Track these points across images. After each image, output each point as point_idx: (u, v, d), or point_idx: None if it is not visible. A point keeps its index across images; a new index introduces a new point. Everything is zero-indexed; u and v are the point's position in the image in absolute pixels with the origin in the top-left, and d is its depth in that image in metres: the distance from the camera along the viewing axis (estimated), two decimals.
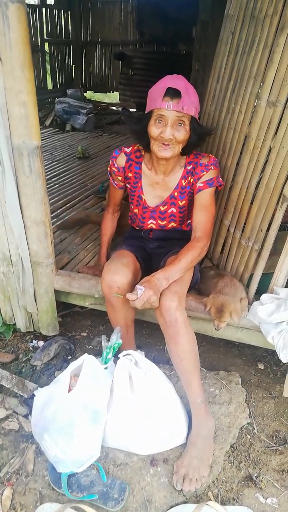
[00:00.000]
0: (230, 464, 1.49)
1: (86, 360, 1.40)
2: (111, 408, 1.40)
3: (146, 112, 1.48)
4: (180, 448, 1.50)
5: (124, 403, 1.39)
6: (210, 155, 1.63)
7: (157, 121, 1.45)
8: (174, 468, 1.43)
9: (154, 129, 1.46)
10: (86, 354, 1.43)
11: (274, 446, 1.56)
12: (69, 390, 1.38)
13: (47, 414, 1.36)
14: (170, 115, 1.42)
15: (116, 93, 7.86)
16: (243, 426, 1.62)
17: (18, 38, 1.33)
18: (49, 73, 7.38)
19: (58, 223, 2.53)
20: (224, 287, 1.65)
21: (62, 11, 7.26)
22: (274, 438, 1.60)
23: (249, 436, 1.60)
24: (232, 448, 1.54)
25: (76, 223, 2.54)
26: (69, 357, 1.94)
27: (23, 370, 1.86)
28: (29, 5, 6.48)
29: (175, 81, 1.42)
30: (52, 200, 2.91)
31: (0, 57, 1.37)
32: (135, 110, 6.61)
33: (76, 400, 1.34)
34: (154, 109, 1.44)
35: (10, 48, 1.34)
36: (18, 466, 1.44)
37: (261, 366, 1.93)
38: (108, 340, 1.45)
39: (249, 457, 1.52)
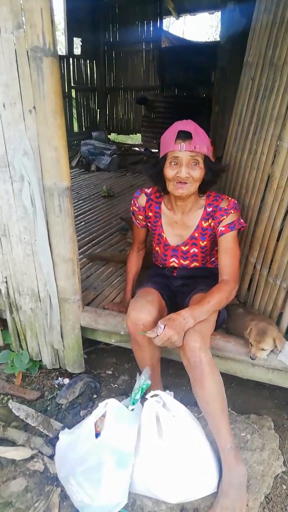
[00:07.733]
0: None
1: (109, 404, 1.38)
2: (138, 452, 1.35)
3: (160, 157, 1.54)
4: (211, 497, 1.42)
5: (152, 448, 1.34)
6: (230, 198, 1.64)
7: (172, 163, 1.50)
8: None
9: (169, 171, 1.51)
10: (108, 399, 1.40)
11: None
12: (96, 431, 1.35)
13: (73, 457, 1.32)
14: (184, 156, 1.47)
15: (139, 135, 8.19)
16: (277, 475, 1.53)
17: (51, 88, 1.43)
18: (75, 117, 7.79)
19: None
20: (264, 319, 1.63)
21: (88, 60, 7.76)
22: None
23: (284, 487, 1.50)
24: (266, 499, 1.45)
25: (101, 260, 2.59)
26: (95, 396, 1.91)
27: (49, 408, 1.83)
28: None
29: (185, 125, 1.49)
30: (79, 238, 2.98)
31: (34, 106, 1.47)
32: (156, 150, 6.82)
33: (103, 444, 1.30)
34: (168, 152, 1.50)
35: (44, 97, 1.44)
36: (43, 510, 1.40)
37: None
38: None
39: (286, 509, 1.42)
